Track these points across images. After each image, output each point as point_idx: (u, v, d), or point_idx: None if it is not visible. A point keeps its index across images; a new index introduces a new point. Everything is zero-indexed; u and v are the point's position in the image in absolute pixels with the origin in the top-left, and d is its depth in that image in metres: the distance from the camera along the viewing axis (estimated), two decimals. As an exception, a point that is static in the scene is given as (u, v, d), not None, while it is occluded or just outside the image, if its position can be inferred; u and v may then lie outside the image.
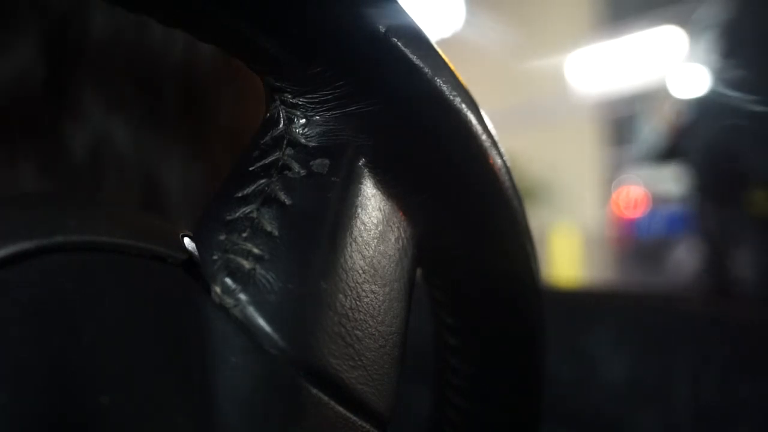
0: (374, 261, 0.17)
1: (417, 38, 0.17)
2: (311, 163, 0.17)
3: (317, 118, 0.17)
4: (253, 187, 0.17)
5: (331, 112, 0.17)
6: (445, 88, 0.17)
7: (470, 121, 0.18)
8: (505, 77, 4.31)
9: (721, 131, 0.93)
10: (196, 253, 0.16)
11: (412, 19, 0.17)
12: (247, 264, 0.16)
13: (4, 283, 0.13)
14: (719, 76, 0.93)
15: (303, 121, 0.17)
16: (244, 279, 0.15)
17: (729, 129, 0.91)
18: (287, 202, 0.17)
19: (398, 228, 0.18)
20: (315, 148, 0.17)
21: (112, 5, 0.16)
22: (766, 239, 0.91)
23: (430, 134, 0.18)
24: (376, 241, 0.18)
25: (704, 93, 1.01)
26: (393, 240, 0.18)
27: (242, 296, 0.15)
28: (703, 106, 1.01)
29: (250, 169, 0.17)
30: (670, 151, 1.19)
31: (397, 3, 0.17)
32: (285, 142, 0.18)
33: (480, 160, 0.19)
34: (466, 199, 0.19)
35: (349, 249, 0.17)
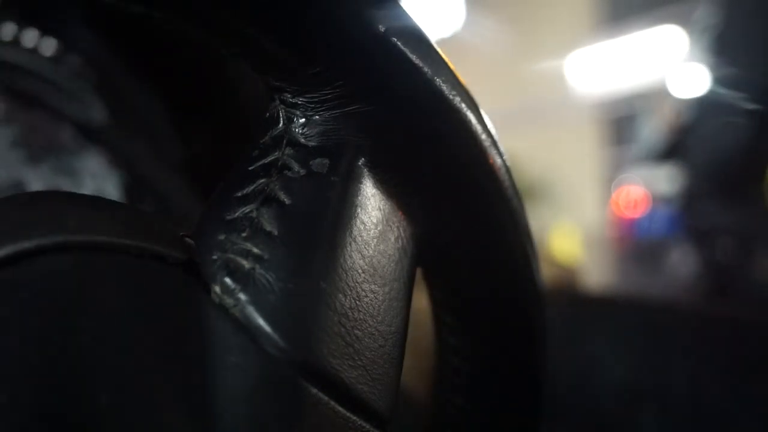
0: (374, 260, 0.17)
1: (417, 38, 0.17)
2: (311, 162, 0.17)
3: (317, 117, 0.17)
4: (252, 187, 0.17)
5: (330, 112, 0.17)
6: (444, 87, 0.17)
7: (470, 121, 0.18)
8: (505, 77, 4.31)
9: (727, 128, 0.92)
10: (196, 252, 0.16)
11: (412, 19, 0.17)
12: (246, 264, 0.16)
13: (4, 283, 0.13)
14: (719, 75, 0.93)
15: (303, 120, 0.17)
16: (244, 279, 0.15)
17: (735, 126, 0.90)
18: (287, 201, 0.17)
19: (398, 228, 0.18)
20: (315, 148, 0.17)
21: (110, 4, 0.16)
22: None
23: (430, 134, 0.18)
24: (375, 240, 0.18)
25: (706, 91, 1.00)
26: (393, 239, 0.18)
27: (242, 296, 0.15)
28: (706, 105, 1.01)
29: (250, 168, 0.17)
30: (670, 151, 1.19)
31: (397, 3, 0.17)
32: (285, 141, 0.18)
33: (480, 159, 0.19)
34: (466, 199, 0.19)
35: (348, 248, 0.17)
